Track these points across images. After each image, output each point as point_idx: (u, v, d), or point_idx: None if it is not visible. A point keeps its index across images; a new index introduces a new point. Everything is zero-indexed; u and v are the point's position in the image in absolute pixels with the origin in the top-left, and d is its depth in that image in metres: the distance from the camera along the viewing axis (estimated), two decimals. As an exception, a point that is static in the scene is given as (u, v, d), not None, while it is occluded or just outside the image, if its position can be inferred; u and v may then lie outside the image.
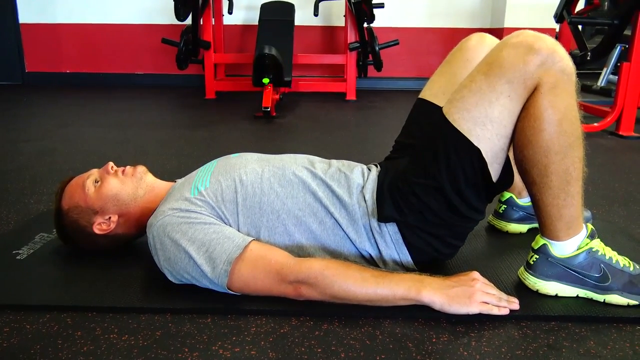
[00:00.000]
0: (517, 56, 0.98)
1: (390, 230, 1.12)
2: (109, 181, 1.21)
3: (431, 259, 1.17)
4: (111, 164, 1.25)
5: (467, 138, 1.03)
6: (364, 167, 1.24)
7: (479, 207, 1.11)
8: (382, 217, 1.11)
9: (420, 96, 1.33)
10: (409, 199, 1.09)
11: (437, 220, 1.10)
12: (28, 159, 2.35)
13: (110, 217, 1.21)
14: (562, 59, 0.98)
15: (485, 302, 1.02)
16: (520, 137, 1.03)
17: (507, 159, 1.09)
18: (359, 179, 1.17)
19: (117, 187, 1.21)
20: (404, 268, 1.15)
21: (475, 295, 1.01)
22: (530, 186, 1.07)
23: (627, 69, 2.86)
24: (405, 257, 1.13)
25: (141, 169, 1.27)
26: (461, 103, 1.05)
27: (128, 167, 1.26)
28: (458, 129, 1.04)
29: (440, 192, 1.07)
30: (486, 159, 1.04)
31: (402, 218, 1.10)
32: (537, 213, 1.09)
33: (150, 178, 1.27)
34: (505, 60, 0.99)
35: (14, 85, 5.11)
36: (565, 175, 1.02)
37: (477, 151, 1.03)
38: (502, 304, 1.03)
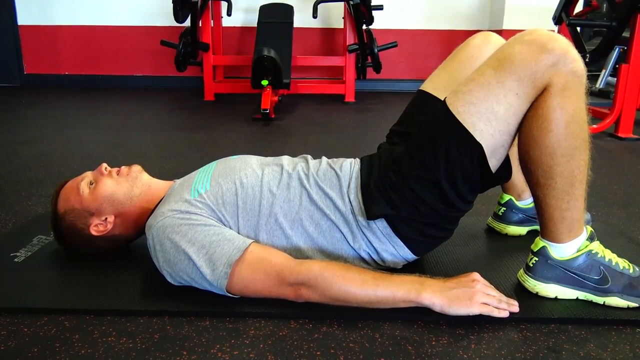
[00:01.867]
0: (529, 54, 0.97)
1: (380, 226, 1.12)
2: (104, 182, 1.21)
3: (428, 246, 1.17)
4: (104, 165, 1.24)
5: (469, 132, 1.02)
6: (352, 161, 1.22)
7: (472, 200, 1.12)
8: (372, 215, 1.10)
9: (421, 88, 1.33)
10: (403, 193, 1.08)
11: (430, 212, 1.09)
12: (26, 161, 2.35)
13: (106, 218, 1.20)
14: (574, 61, 0.97)
15: (486, 304, 1.01)
16: (526, 137, 1.03)
17: (507, 155, 1.09)
18: (347, 177, 1.16)
19: (112, 188, 1.21)
20: (405, 261, 1.16)
21: (476, 296, 1.01)
22: (534, 187, 1.06)
23: (626, 71, 2.87)
24: (402, 249, 1.13)
25: (136, 168, 1.26)
26: (468, 96, 1.03)
27: (123, 167, 1.26)
28: (461, 122, 1.03)
29: (436, 186, 1.06)
30: (486, 154, 1.03)
31: (395, 212, 1.09)
32: (539, 214, 1.08)
33: (146, 177, 1.26)
34: (517, 57, 0.98)
35: (13, 87, 5.11)
36: (570, 178, 1.02)
37: (479, 147, 1.02)
38: (502, 306, 1.02)
